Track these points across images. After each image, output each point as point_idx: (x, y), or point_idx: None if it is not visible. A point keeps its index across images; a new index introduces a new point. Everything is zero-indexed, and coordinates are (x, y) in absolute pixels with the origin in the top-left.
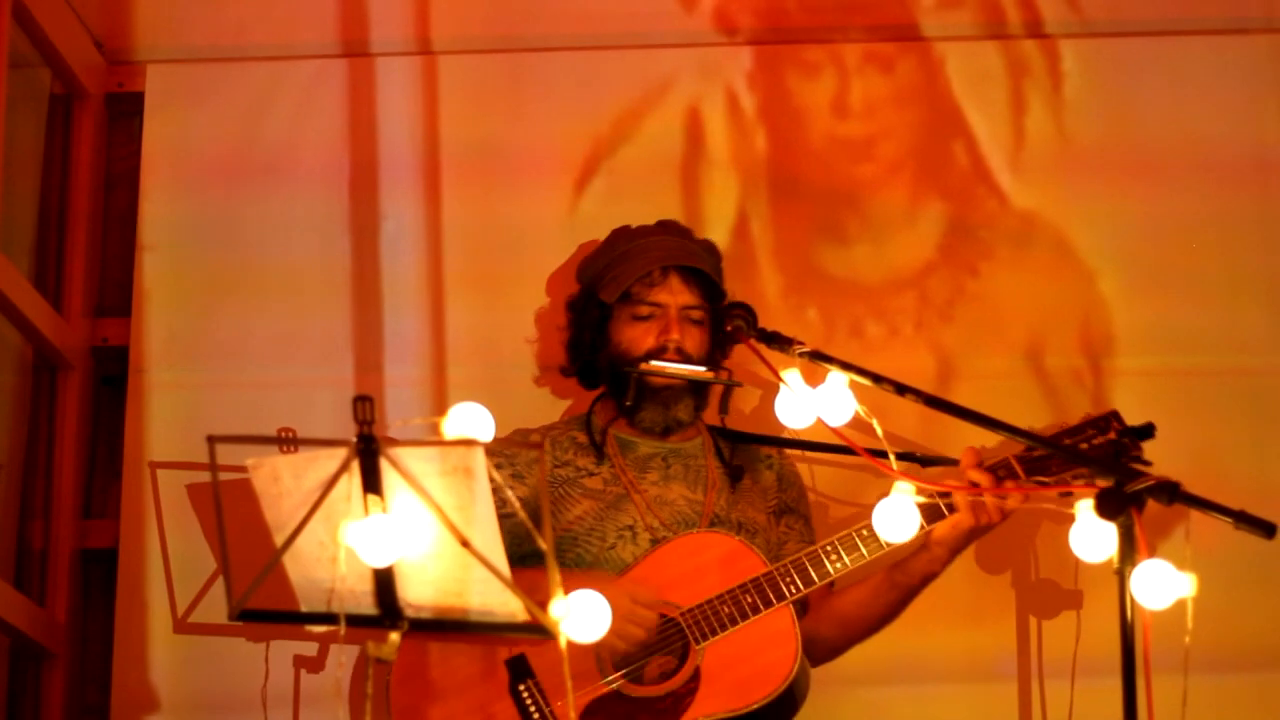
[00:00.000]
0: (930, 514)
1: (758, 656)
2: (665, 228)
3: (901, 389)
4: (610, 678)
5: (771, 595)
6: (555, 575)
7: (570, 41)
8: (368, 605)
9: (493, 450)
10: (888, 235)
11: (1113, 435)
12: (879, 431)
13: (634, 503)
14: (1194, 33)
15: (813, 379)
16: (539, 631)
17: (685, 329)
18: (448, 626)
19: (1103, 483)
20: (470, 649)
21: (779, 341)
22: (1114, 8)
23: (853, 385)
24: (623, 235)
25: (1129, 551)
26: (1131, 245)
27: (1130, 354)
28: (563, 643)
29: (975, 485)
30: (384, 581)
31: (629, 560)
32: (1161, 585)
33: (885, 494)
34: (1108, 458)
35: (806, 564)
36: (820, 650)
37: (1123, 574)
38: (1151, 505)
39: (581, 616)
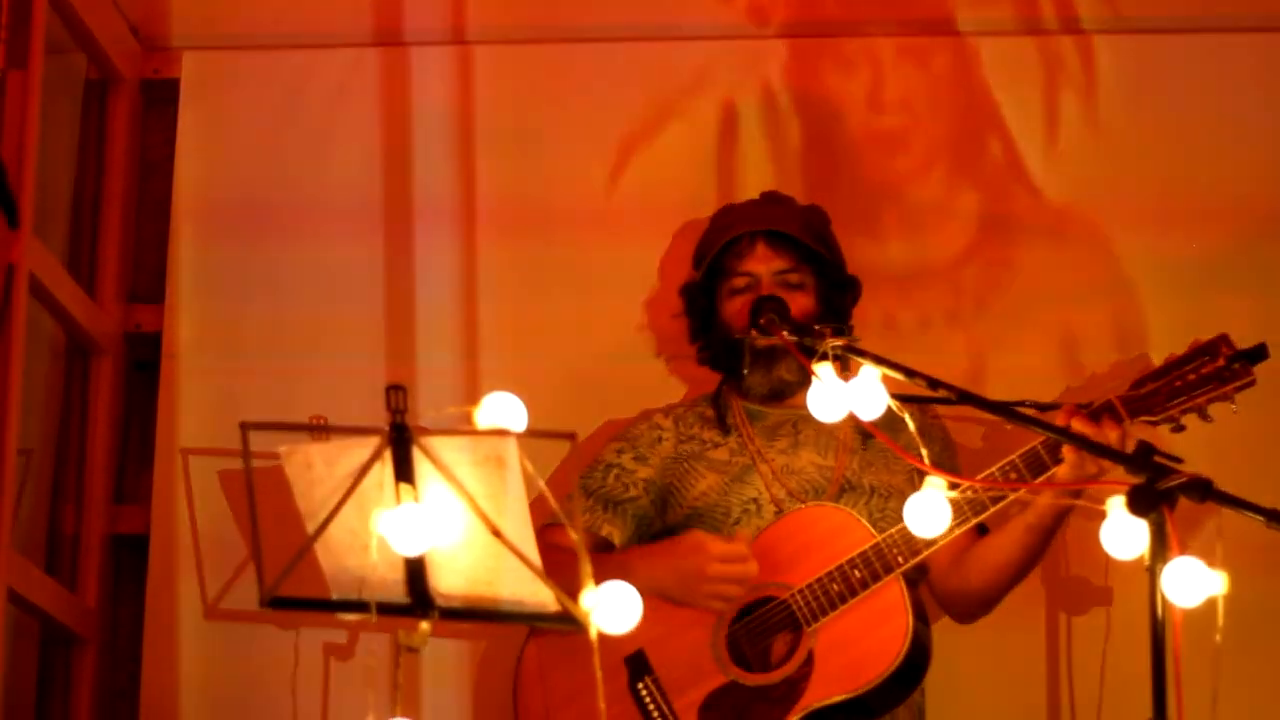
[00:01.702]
0: (1033, 466)
1: (869, 635)
2: (764, 198)
3: (934, 383)
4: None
5: (880, 568)
6: (586, 566)
7: (605, 33)
8: (399, 594)
9: (615, 436)
10: (921, 229)
11: (1221, 361)
12: (911, 426)
13: (760, 473)
14: (1230, 29)
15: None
16: (569, 622)
17: (784, 295)
18: (479, 616)
19: (1134, 479)
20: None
21: (811, 334)
22: (1150, 4)
23: (885, 379)
24: (720, 212)
25: (1160, 549)
26: (1166, 240)
27: (1164, 348)
28: (593, 634)
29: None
30: (415, 570)
31: (751, 536)
32: (1193, 583)
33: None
34: (1140, 455)
35: (913, 534)
36: (973, 603)
37: (1154, 571)
38: (1183, 502)
39: (612, 607)
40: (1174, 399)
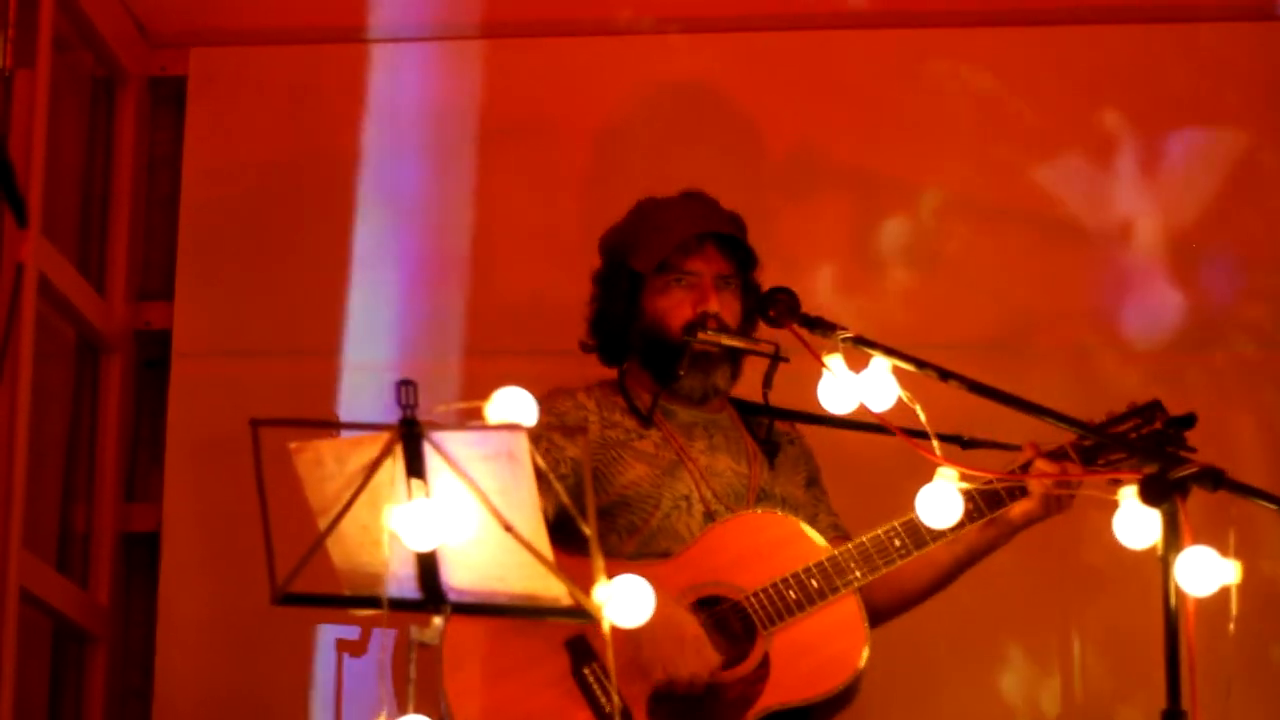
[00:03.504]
0: (990, 501)
1: (827, 645)
2: (692, 196)
3: (945, 375)
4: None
5: (837, 580)
6: (599, 560)
7: (612, 26)
8: (411, 589)
9: (541, 410)
10: (944, 221)
11: (1158, 425)
12: (922, 417)
13: (688, 470)
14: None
15: (856, 364)
16: (582, 616)
17: (721, 297)
18: (491, 610)
19: (1147, 469)
20: (526, 630)
21: (822, 326)
22: None
23: (895, 371)
24: (650, 205)
25: (1173, 538)
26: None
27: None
28: (606, 628)
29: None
30: (427, 565)
31: (683, 532)
32: (1205, 572)
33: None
34: (1152, 445)
35: (871, 550)
36: (871, 616)
37: (1166, 561)
38: (1196, 492)
39: (625, 601)
40: (1115, 453)
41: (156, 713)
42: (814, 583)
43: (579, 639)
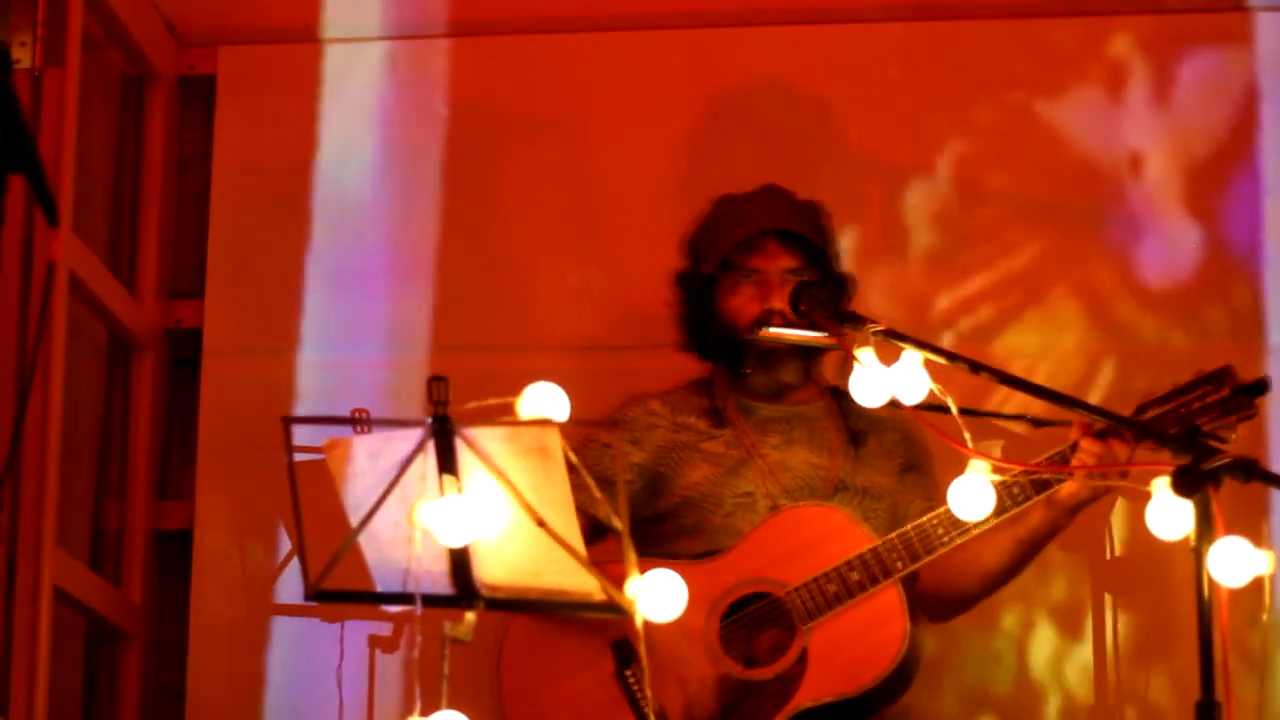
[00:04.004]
0: (1036, 483)
1: (866, 637)
2: (767, 192)
3: (976, 367)
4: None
5: (878, 572)
6: (631, 555)
7: (642, 21)
8: (443, 585)
9: (608, 417)
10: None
11: (1225, 392)
12: (953, 410)
13: (755, 467)
14: None
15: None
16: (615, 610)
17: (788, 294)
18: (524, 606)
19: (1180, 460)
20: (578, 632)
21: (852, 320)
22: None
23: (927, 364)
24: (723, 203)
25: (1206, 529)
26: None
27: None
28: (638, 622)
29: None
30: (459, 561)
31: (745, 529)
32: (1239, 563)
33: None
34: (1185, 435)
35: (914, 540)
36: (950, 605)
37: (1199, 552)
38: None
39: (658, 596)
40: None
41: (189, 710)
42: (854, 575)
43: (623, 641)
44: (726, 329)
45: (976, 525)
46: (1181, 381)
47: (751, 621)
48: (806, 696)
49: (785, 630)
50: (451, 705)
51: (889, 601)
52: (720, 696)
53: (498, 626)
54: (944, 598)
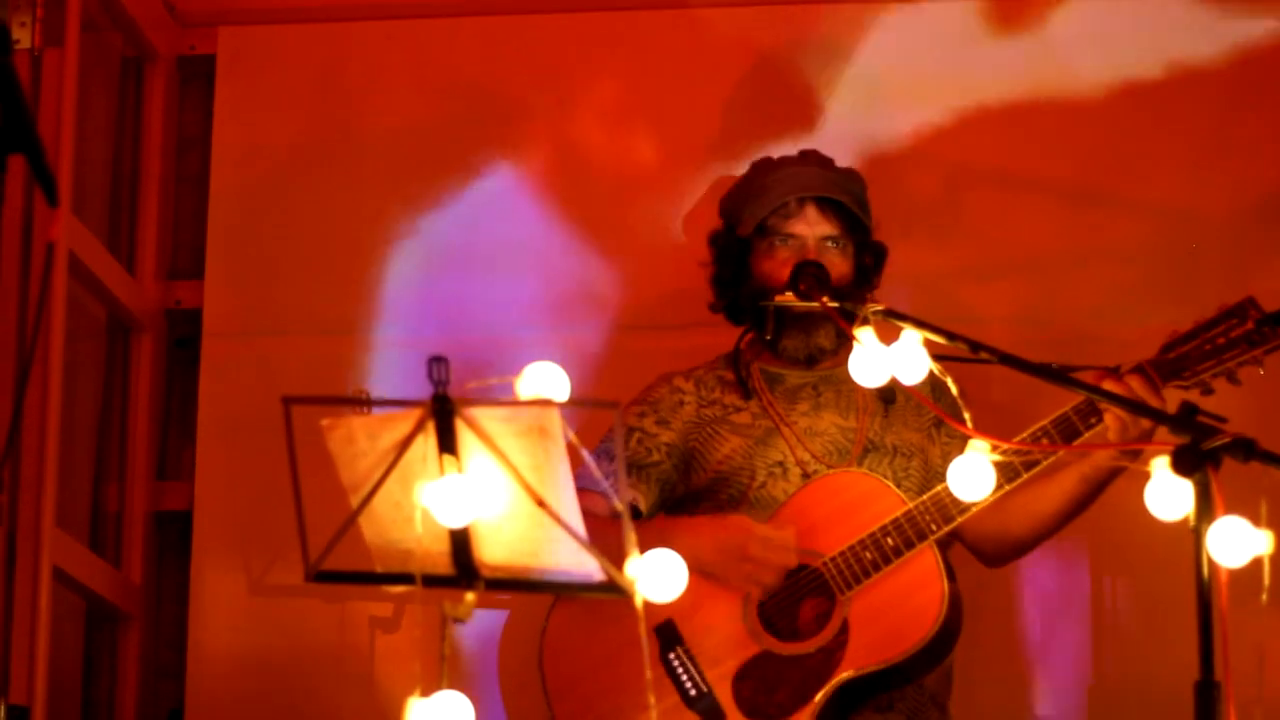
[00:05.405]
0: (1065, 433)
1: (905, 603)
2: (805, 158)
3: (976, 346)
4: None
5: (913, 535)
6: (630, 534)
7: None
8: (444, 566)
9: (635, 399)
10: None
11: (1250, 325)
12: (954, 389)
13: (783, 436)
14: None
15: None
16: (615, 591)
17: (827, 260)
18: (524, 586)
19: (1179, 440)
20: (619, 618)
21: (852, 299)
22: None
23: (927, 343)
24: (761, 167)
25: (1205, 509)
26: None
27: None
28: (638, 603)
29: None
30: (460, 542)
31: (780, 498)
32: (1238, 543)
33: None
34: (1183, 416)
35: (946, 501)
36: (1008, 548)
37: (1199, 531)
38: (1228, 462)
39: (658, 576)
40: (1204, 363)
41: (189, 691)
42: (890, 540)
43: (667, 624)
44: (757, 293)
45: (1009, 481)
46: (1203, 318)
47: (789, 595)
48: (850, 666)
49: (824, 600)
50: (451, 685)
51: (926, 565)
52: (764, 672)
53: (538, 622)
54: (1004, 542)
